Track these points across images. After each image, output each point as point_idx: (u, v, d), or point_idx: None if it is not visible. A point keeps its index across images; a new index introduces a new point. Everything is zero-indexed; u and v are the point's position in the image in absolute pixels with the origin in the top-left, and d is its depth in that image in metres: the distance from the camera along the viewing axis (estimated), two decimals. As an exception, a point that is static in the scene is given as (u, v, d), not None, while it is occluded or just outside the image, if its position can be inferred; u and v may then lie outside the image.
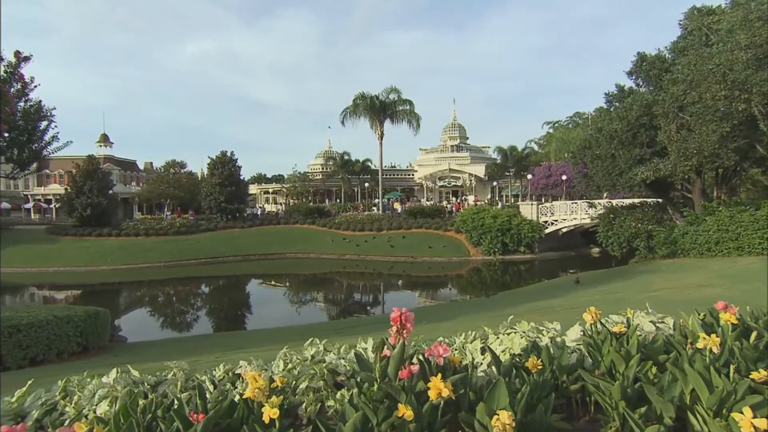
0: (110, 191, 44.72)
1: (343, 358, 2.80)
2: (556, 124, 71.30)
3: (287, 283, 32.38)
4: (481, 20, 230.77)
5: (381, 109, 45.92)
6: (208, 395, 2.38)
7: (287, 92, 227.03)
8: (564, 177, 46.45)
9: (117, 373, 2.76)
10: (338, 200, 64.18)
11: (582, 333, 2.83)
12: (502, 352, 2.67)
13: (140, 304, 26.32)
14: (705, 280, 12.82)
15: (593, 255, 37.76)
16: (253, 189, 67.30)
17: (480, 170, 64.89)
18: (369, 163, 63.05)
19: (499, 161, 63.18)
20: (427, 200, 61.52)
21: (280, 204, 63.57)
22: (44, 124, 18.99)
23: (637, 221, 25.74)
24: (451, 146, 69.22)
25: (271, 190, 71.24)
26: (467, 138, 71.69)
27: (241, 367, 2.89)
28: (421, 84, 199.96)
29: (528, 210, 38.42)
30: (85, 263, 34.90)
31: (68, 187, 43.32)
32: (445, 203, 53.11)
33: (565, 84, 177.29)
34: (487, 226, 35.94)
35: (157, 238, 40.87)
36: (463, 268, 34.33)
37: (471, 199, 58.56)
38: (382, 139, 47.58)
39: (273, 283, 32.77)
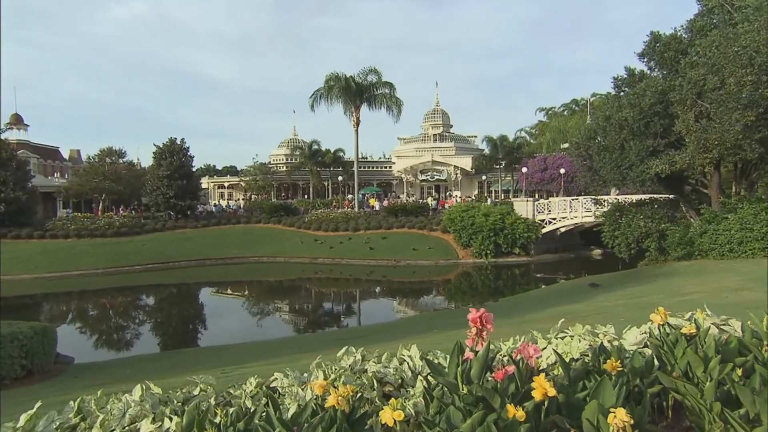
0: (29, 184, 43.14)
1: (387, 367, 2.88)
2: (550, 111, 72.71)
3: (247, 292, 31.93)
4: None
5: (357, 93, 45.78)
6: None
7: (239, 68, 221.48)
8: (562, 170, 47.41)
9: (143, 389, 2.78)
10: (306, 196, 63.76)
11: (648, 335, 2.99)
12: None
13: (70, 319, 25.14)
14: (738, 283, 13.28)
15: (595, 257, 38.74)
16: (203, 183, 66.20)
17: (466, 162, 65.55)
18: (341, 154, 62.81)
19: (487, 152, 63.87)
20: (408, 196, 61.81)
21: (238, 200, 62.74)
22: None
23: (647, 219, 26.51)
24: (434, 135, 69.63)
25: (226, 184, 70.19)
26: (451, 126, 72.29)
27: (275, 379, 2.94)
28: (398, 63, 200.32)
29: (523, 207, 39.06)
30: (-3, 271, 33.25)
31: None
32: (429, 200, 53.47)
33: (560, 64, 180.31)
34: (477, 225, 36.31)
35: (92, 239, 39.50)
36: (452, 272, 34.65)
37: (457, 194, 59.18)
38: (358, 126, 47.43)
39: (231, 292, 32.25)
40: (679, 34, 24.83)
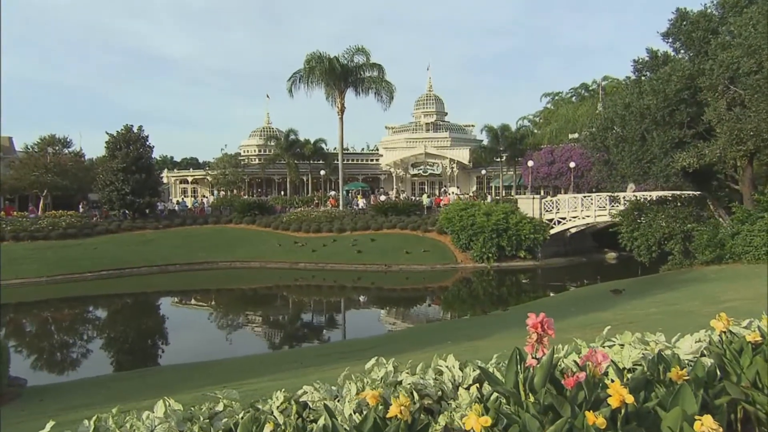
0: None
1: (424, 378, 3.04)
2: (557, 97, 73.27)
3: (220, 302, 31.71)
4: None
5: (342, 76, 45.52)
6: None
7: (201, 46, 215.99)
8: (572, 164, 47.68)
9: (166, 406, 2.90)
10: (283, 192, 63.40)
11: (706, 342, 3.18)
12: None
13: (8, 335, 24.37)
14: (782, 290, 13.51)
15: (609, 261, 39.12)
16: (164, 177, 65.42)
17: (463, 155, 65.79)
18: (322, 145, 62.62)
19: (487, 144, 64.10)
20: (397, 193, 61.74)
21: (204, 196, 62.13)
22: None
23: (671, 219, 26.70)
24: (427, 124, 69.71)
25: (190, 179, 69.53)
26: (446, 114, 72.45)
27: (305, 393, 3.07)
28: (383, 42, 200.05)
29: (528, 205, 39.24)
30: None
31: None
32: (424, 197, 53.48)
33: (566, 43, 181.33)
34: (478, 225, 36.38)
35: (33, 242, 38.57)
36: (450, 277, 34.77)
37: (454, 190, 59.30)
38: (342, 113, 47.24)
39: (201, 302, 31.91)
40: (709, 10, 24.93)
